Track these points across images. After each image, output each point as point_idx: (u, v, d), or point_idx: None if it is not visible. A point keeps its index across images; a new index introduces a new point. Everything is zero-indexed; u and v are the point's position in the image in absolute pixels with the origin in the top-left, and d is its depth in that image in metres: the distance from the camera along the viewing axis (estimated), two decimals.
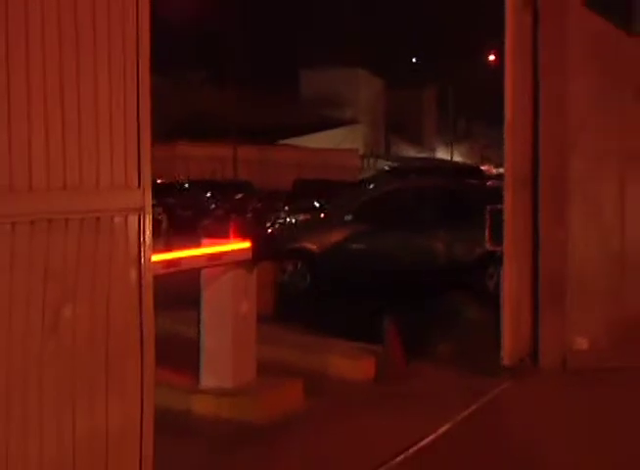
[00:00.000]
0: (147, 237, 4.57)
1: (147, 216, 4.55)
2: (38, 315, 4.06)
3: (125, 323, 4.45)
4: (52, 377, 4.12)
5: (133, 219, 4.51)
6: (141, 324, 4.54)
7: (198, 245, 7.46)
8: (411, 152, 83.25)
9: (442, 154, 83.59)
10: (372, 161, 72.28)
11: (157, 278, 5.90)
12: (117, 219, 4.43)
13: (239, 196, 33.18)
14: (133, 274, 4.50)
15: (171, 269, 6.56)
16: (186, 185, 33.42)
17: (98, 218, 4.31)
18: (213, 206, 30.53)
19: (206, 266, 7.30)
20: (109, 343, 4.36)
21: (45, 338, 4.08)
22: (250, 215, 27.68)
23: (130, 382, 4.49)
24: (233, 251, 7.46)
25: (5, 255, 3.92)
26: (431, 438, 6.85)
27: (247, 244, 7.57)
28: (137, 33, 4.46)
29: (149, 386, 4.58)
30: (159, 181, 32.67)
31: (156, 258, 6.22)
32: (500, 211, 8.87)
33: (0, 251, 3.91)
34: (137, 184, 4.54)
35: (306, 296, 13.36)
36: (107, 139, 4.34)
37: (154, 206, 18.20)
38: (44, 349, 4.08)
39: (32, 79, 4.00)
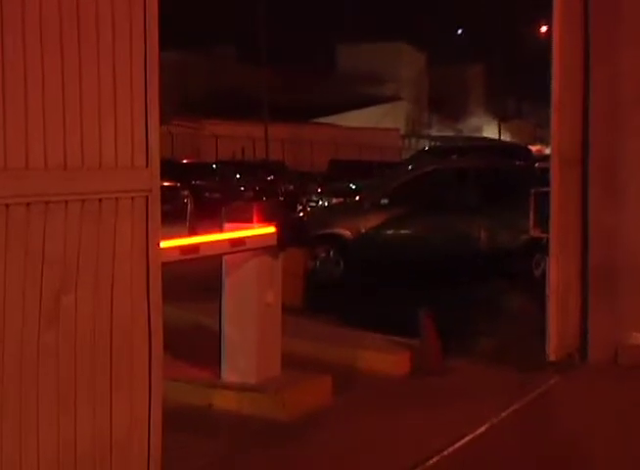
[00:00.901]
0: (155, 220, 4.49)
1: (155, 198, 4.47)
2: (35, 305, 3.99)
3: (131, 314, 4.38)
4: (51, 372, 4.06)
5: (140, 201, 4.43)
6: (148, 315, 4.47)
7: (220, 230, 7.41)
8: (456, 131, 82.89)
9: (490, 133, 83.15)
10: (414, 140, 72.08)
11: (175, 265, 5.88)
12: (122, 201, 4.35)
13: (270, 177, 33.22)
14: (140, 261, 4.43)
15: (190, 256, 6.52)
16: (214, 166, 33.49)
17: (101, 200, 4.24)
18: (243, 188, 30.58)
19: (228, 253, 7.25)
20: (113, 335, 4.29)
21: (43, 330, 4.02)
22: (281, 198, 27.68)
23: (136, 377, 4.43)
24: (257, 236, 7.39)
25: None
26: (469, 438, 6.78)
27: (271, 229, 7.50)
28: (144, 2, 4.36)
29: (157, 382, 4.51)
30: (185, 161, 32.86)
31: (172, 243, 6.21)
32: (546, 195, 8.75)
33: None
34: (144, 163, 4.46)
35: (338, 285, 13.30)
36: (111, 114, 4.26)
37: (180, 188, 18.16)
38: (42, 342, 4.02)
39: (29, 50, 3.92)
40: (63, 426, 4.13)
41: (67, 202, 4.11)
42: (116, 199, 4.33)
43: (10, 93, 3.87)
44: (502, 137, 77.65)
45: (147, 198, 4.47)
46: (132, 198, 4.41)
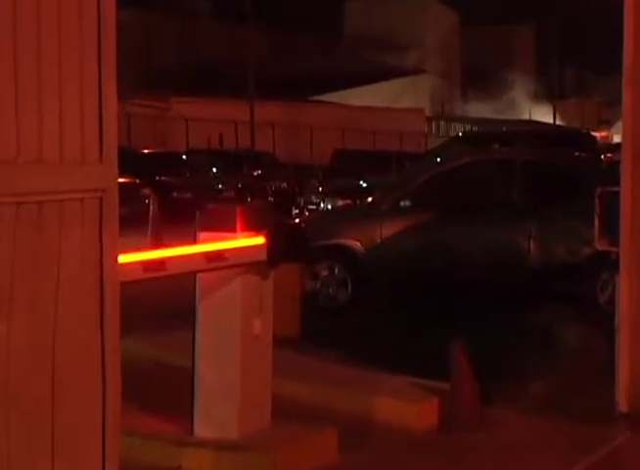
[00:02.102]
0: (111, 229, 4.52)
1: (111, 200, 4.50)
2: None
3: (80, 349, 4.39)
4: None
5: (92, 204, 4.46)
6: (102, 350, 4.49)
7: (192, 240, 7.45)
8: (497, 112, 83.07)
9: (541, 115, 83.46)
10: (443, 124, 72.30)
11: (135, 286, 5.90)
12: (69, 204, 4.37)
13: (257, 172, 33.32)
14: (91, 279, 4.45)
15: (153, 274, 6.55)
16: (184, 157, 33.61)
17: (41, 203, 4.26)
18: (221, 186, 30.67)
19: (203, 270, 7.28)
20: (55, 377, 4.30)
21: None
22: (271, 199, 27.78)
23: (87, 431, 4.44)
24: (240, 249, 7.44)
25: None
26: None
27: (259, 239, 7.55)
28: None
29: (113, 438, 4.53)
30: (146, 151, 32.97)
31: (132, 257, 6.24)
32: (616, 196, 8.77)
33: None
34: (98, 157, 4.49)
35: (345, 310, 13.34)
36: (55, 95, 4.28)
37: (140, 185, 18.30)
38: None
39: None
40: None
41: None
42: (62, 201, 4.35)
43: None
44: (557, 121, 77.89)
45: (101, 200, 4.50)
46: (82, 200, 4.43)
